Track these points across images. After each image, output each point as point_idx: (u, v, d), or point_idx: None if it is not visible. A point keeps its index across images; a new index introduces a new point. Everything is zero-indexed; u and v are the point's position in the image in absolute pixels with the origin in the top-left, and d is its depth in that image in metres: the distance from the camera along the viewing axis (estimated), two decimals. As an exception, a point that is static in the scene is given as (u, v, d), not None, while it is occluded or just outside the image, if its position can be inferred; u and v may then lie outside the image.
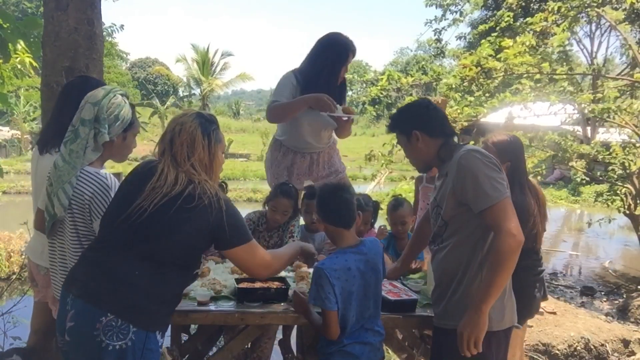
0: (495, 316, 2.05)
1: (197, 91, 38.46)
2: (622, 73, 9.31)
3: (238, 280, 2.57)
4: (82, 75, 2.90)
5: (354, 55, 3.40)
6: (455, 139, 2.26)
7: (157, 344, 1.92)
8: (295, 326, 3.21)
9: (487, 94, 7.02)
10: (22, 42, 4.29)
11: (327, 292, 2.12)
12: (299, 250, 2.43)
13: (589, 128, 14.21)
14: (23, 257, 6.06)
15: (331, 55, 3.33)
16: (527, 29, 7.17)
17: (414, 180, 4.42)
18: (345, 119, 3.34)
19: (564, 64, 7.19)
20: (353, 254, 2.23)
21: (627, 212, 7.24)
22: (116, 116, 2.21)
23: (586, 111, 6.25)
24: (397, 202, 3.40)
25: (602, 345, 4.50)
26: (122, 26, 12.85)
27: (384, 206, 4.04)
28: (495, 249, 1.98)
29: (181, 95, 44.47)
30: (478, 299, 1.98)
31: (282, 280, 2.62)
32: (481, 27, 8.27)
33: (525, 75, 6.46)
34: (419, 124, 2.23)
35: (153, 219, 1.87)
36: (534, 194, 2.90)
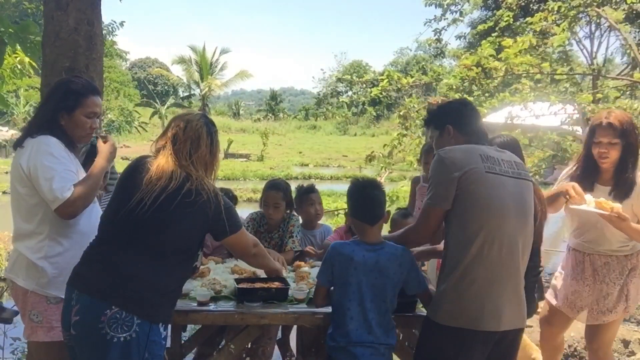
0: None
1: (197, 91, 38.46)
2: (622, 73, 9.31)
3: (238, 281, 2.58)
4: (74, 75, 2.87)
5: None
6: (483, 143, 2.23)
7: (161, 336, 1.97)
8: (295, 326, 3.21)
9: (486, 94, 7.02)
10: (18, 46, 4.31)
11: (326, 267, 2.29)
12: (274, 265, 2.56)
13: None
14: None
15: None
16: (527, 29, 7.17)
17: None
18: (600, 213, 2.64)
19: (564, 64, 7.19)
20: (365, 250, 2.26)
21: (627, 212, 7.21)
22: None
23: (586, 111, 6.25)
24: (407, 212, 3.53)
25: (602, 345, 4.49)
26: (122, 23, 12.87)
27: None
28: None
29: (181, 95, 44.48)
30: None
31: (282, 280, 2.62)
32: (480, 27, 8.27)
33: (525, 75, 6.46)
34: (453, 119, 2.28)
35: (155, 214, 1.93)
36: (537, 193, 2.87)
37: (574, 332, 4.60)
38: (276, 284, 2.53)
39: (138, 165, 2.07)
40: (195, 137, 2.05)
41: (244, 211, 3.87)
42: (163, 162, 2.00)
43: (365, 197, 2.34)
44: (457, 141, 2.21)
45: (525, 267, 2.19)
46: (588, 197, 2.71)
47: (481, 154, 2.09)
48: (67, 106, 2.33)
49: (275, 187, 3.42)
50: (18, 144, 2.33)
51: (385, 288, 2.24)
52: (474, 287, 2.04)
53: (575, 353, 4.43)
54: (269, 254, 2.54)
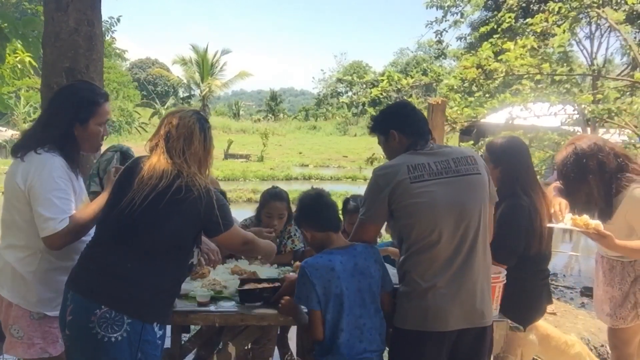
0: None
1: (197, 92, 38.48)
2: (622, 73, 9.30)
3: (242, 282, 2.54)
4: (79, 81, 2.78)
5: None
6: (426, 141, 2.24)
7: (155, 336, 1.95)
8: (295, 326, 3.20)
9: (487, 95, 7.02)
10: (20, 43, 4.31)
11: (308, 290, 2.14)
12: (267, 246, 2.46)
13: (589, 129, 14.18)
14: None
15: None
16: (528, 30, 7.17)
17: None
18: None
19: (565, 64, 7.19)
20: (340, 255, 2.19)
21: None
22: None
23: (586, 112, 6.25)
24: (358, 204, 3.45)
25: (602, 345, 4.49)
26: (119, 18, 13.08)
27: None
28: None
29: (181, 96, 44.51)
30: None
31: (283, 281, 2.61)
32: (482, 29, 8.28)
33: (525, 76, 6.46)
34: (395, 123, 2.30)
35: (144, 212, 1.92)
36: (543, 194, 2.83)
37: (574, 333, 4.60)
38: (277, 284, 2.51)
39: (133, 166, 2.07)
40: (188, 134, 2.03)
41: (243, 212, 3.87)
42: (155, 161, 2.00)
43: (323, 205, 2.32)
44: (401, 144, 2.26)
45: (487, 263, 2.21)
46: (568, 215, 2.67)
47: (409, 164, 2.13)
48: (80, 117, 2.21)
49: (279, 198, 3.29)
50: (18, 152, 2.17)
51: (371, 288, 2.20)
52: (417, 291, 2.11)
53: (576, 354, 4.42)
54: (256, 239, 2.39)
